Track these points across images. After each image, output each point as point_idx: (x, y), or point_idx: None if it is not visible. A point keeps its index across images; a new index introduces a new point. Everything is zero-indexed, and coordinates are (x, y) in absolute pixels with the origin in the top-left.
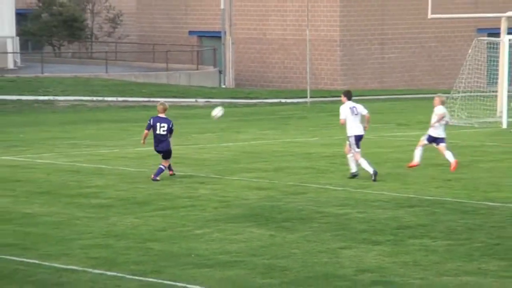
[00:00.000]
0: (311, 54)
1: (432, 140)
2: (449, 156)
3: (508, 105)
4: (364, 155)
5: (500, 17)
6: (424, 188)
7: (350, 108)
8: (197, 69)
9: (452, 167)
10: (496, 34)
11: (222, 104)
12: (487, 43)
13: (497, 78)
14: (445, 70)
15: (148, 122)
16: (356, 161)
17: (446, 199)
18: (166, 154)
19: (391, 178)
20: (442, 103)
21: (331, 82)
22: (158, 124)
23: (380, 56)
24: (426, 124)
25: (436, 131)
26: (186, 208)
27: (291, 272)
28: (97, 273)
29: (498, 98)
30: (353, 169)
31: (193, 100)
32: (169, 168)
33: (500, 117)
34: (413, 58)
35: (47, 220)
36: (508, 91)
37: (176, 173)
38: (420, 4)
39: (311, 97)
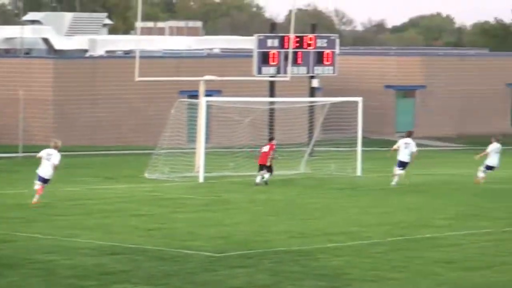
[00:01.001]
0: (24, 113)
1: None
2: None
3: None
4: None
5: (198, 81)
6: (127, 237)
7: None
8: None
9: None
10: (196, 96)
11: None
12: (188, 104)
13: (196, 136)
14: (151, 128)
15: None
16: None
17: (147, 247)
18: None
19: (98, 227)
20: (56, 146)
21: (44, 138)
22: None
23: (91, 114)
24: (133, 177)
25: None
26: None
27: None
28: None
29: (196, 154)
30: None
31: None
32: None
33: (198, 172)
34: (121, 117)
35: None
36: (205, 148)
37: None
38: (128, 67)
39: (23, 152)
